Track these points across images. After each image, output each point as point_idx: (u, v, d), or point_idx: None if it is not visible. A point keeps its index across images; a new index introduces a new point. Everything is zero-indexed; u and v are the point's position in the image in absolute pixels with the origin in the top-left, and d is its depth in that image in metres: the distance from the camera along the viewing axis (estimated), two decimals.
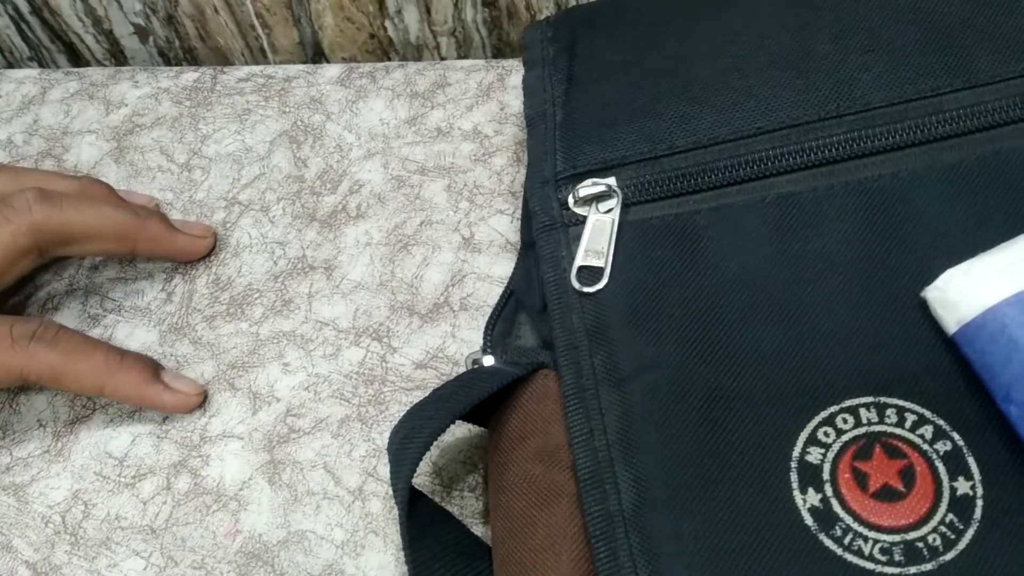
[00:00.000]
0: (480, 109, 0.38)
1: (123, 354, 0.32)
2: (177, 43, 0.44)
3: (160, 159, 0.39)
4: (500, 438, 0.28)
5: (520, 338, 0.29)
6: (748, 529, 0.24)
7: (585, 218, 0.28)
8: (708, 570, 0.23)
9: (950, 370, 0.25)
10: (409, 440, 0.27)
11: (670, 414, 0.25)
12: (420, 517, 0.27)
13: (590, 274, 0.27)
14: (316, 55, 0.44)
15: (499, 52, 0.43)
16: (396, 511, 0.30)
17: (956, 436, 0.24)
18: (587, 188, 0.28)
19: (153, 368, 0.33)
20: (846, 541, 0.23)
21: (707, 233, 0.27)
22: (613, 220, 0.28)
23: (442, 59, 0.42)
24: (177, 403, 0.33)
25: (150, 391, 0.32)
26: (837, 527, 0.23)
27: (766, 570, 0.23)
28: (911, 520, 0.23)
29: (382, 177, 0.37)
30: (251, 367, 0.34)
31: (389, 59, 0.42)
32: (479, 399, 0.27)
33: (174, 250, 0.35)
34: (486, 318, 0.34)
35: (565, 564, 0.25)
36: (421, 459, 0.26)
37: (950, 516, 0.23)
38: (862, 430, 0.24)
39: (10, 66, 0.45)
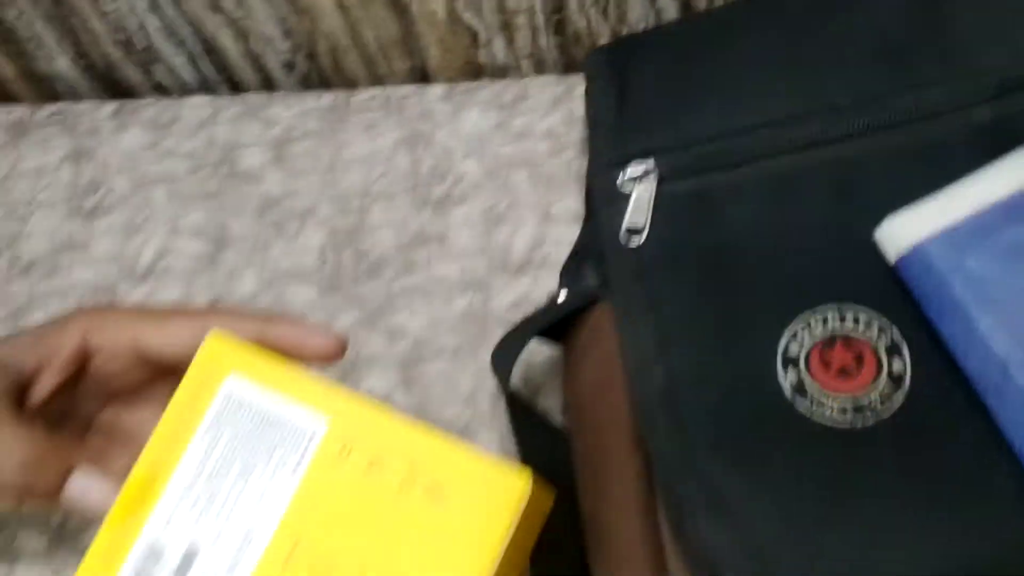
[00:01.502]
0: (553, 115, 0.49)
1: None
2: (315, 74, 0.56)
3: (310, 163, 0.51)
4: (572, 348, 0.39)
5: (585, 280, 0.40)
6: (745, 400, 0.34)
7: (631, 193, 0.39)
8: (717, 427, 0.34)
9: (894, 289, 0.35)
10: (507, 349, 0.38)
11: (691, 326, 0.36)
12: (518, 408, 0.38)
13: (634, 232, 0.38)
14: (424, 78, 0.55)
15: (567, 69, 0.54)
16: (500, 407, 0.42)
17: (895, 332, 0.34)
18: (633, 168, 0.39)
19: None
20: (814, 405, 0.33)
21: (720, 201, 0.38)
22: (651, 192, 0.39)
23: (523, 77, 0.54)
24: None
25: None
26: (808, 397, 0.34)
27: (759, 428, 0.33)
28: (859, 388, 0.34)
29: (479, 170, 0.49)
30: (387, 313, 0.46)
31: (481, 79, 0.54)
32: (556, 318, 0.38)
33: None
34: (558, 273, 0.45)
35: (622, 434, 0.35)
36: (516, 359, 0.37)
37: (887, 387, 0.33)
38: (828, 330, 0.35)
39: (184, 95, 0.58)
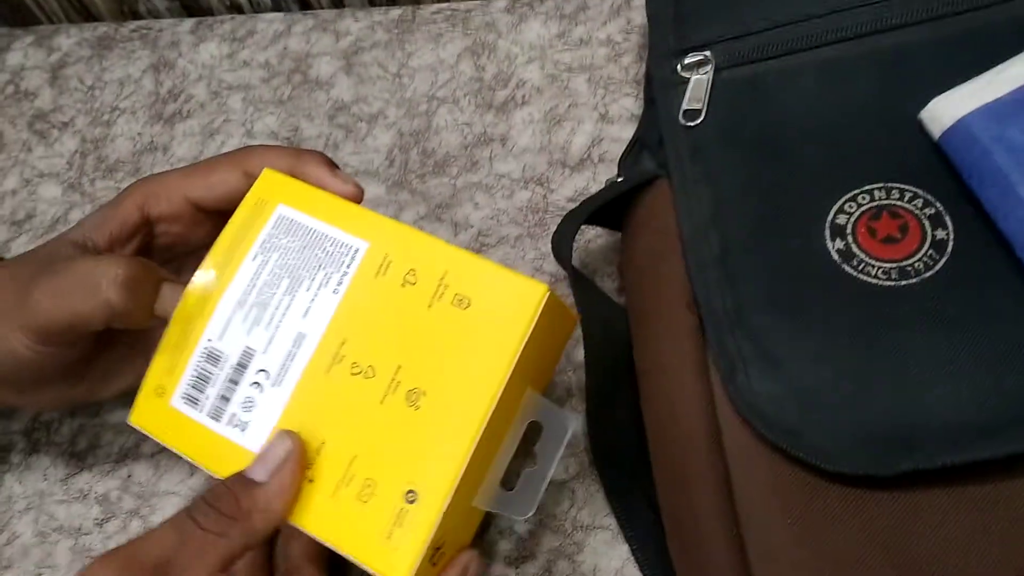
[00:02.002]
0: (612, 24, 0.52)
1: None
2: None
3: (378, 71, 0.54)
4: (630, 224, 0.41)
5: (642, 166, 0.43)
6: (795, 262, 0.36)
7: (689, 79, 0.41)
8: (768, 286, 0.36)
9: (938, 165, 0.37)
10: (569, 226, 0.41)
11: (745, 198, 0.38)
12: (580, 280, 0.41)
13: (692, 115, 0.40)
14: None
15: None
16: (558, 289, 0.44)
17: (939, 205, 0.36)
18: (691, 58, 0.41)
19: None
20: (860, 267, 0.36)
21: (774, 85, 0.40)
22: (708, 78, 0.41)
23: None
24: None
25: None
26: (855, 259, 0.36)
27: (807, 287, 0.36)
28: (904, 255, 0.36)
29: (540, 75, 0.51)
30: (451, 207, 0.49)
31: None
32: (616, 195, 0.40)
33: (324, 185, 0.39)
34: (616, 169, 0.47)
35: (677, 296, 0.38)
36: (577, 231, 0.40)
37: (930, 251, 0.35)
38: (874, 203, 0.37)
39: (255, 13, 0.61)
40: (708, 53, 0.41)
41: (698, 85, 0.41)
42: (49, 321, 0.35)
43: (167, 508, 0.44)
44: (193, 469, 0.45)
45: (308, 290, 0.35)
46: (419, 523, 0.32)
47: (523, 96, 0.51)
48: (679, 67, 0.41)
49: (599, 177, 0.47)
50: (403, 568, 0.31)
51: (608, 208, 0.41)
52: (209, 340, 0.36)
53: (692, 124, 0.40)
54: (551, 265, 0.46)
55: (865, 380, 0.33)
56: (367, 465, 0.33)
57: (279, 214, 0.37)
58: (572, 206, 0.46)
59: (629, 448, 0.39)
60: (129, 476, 0.45)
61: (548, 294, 0.33)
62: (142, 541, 0.30)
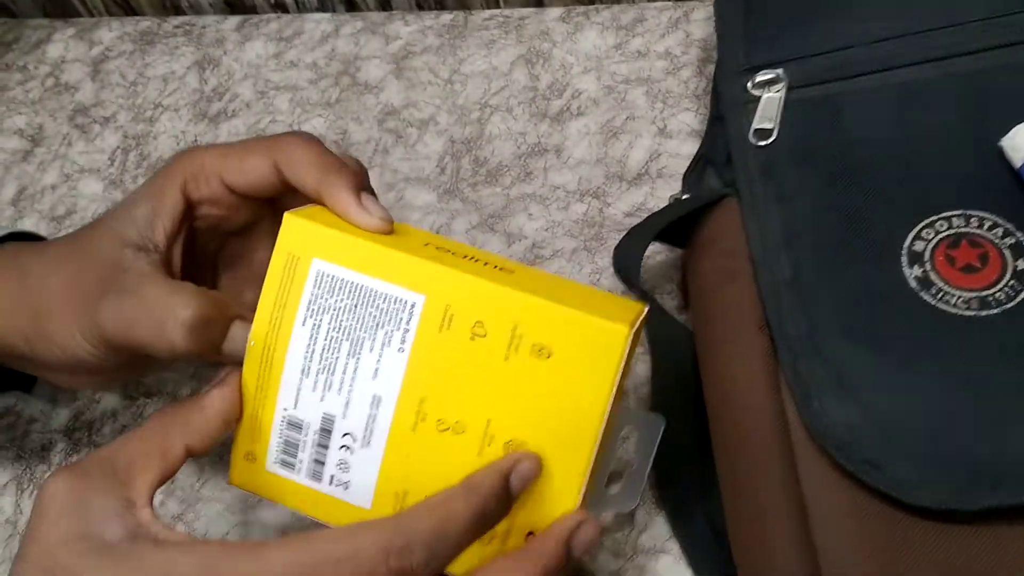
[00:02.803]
0: (670, 37, 0.51)
1: None
2: None
3: (429, 76, 0.54)
4: (696, 244, 0.40)
5: (708, 183, 0.42)
6: (871, 289, 0.36)
7: (760, 97, 0.40)
8: (843, 312, 0.35)
9: (1020, 194, 0.36)
10: (633, 242, 0.40)
11: (818, 220, 0.37)
12: (645, 298, 0.40)
13: (763, 134, 0.40)
14: (539, 2, 0.57)
15: None
16: None
17: (1020, 234, 0.36)
18: (762, 75, 0.40)
19: None
20: (939, 296, 0.35)
21: (847, 107, 0.39)
22: (781, 97, 0.40)
23: (638, 1, 0.55)
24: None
25: None
26: (933, 288, 0.35)
27: (884, 315, 0.35)
28: (984, 284, 0.35)
29: (596, 87, 0.51)
30: (504, 217, 0.48)
31: (595, 3, 0.55)
32: (683, 213, 0.40)
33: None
34: (676, 184, 0.46)
35: (747, 319, 0.37)
36: (645, 249, 0.39)
37: (1012, 281, 0.35)
38: (953, 231, 0.36)
39: (301, 12, 0.60)
40: (780, 71, 0.40)
41: (769, 104, 0.40)
42: (114, 339, 0.34)
43: (211, 513, 0.44)
44: None
45: (372, 351, 0.33)
46: None
47: (579, 107, 0.50)
48: (749, 85, 0.41)
49: (657, 192, 0.47)
50: None
51: (673, 225, 0.41)
52: (285, 410, 0.34)
53: (763, 143, 0.39)
54: (608, 279, 0.45)
55: (946, 413, 0.32)
56: None
57: (317, 271, 0.33)
58: (630, 221, 0.46)
59: (693, 471, 0.38)
60: (173, 481, 0.44)
61: (631, 334, 0.32)
62: None
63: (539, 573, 0.30)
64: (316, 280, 0.33)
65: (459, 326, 0.32)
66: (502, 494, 0.31)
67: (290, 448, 0.34)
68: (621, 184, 0.47)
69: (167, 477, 0.31)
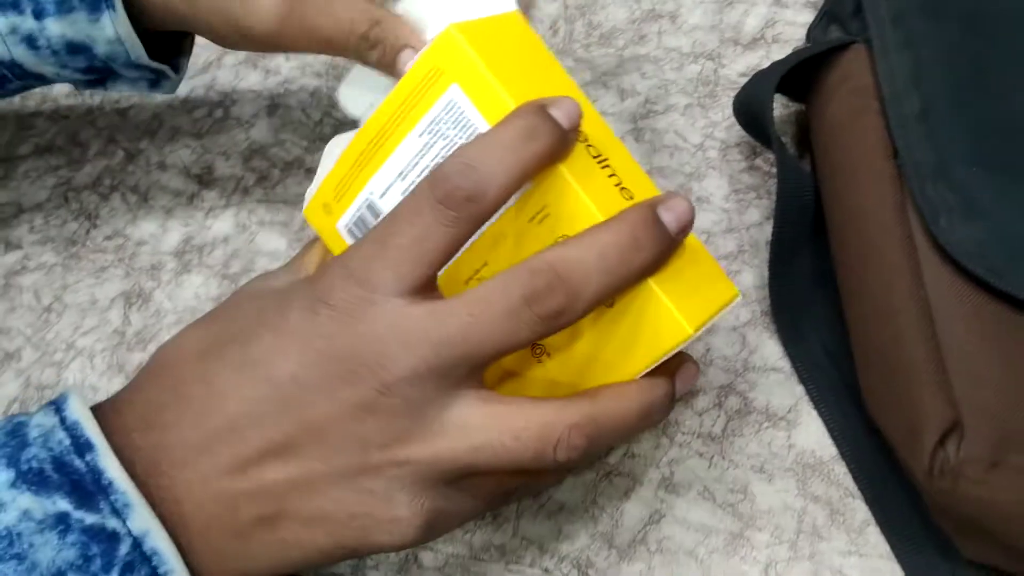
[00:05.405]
0: None
1: None
2: None
3: None
4: (822, 86, 0.42)
5: (831, 36, 0.43)
6: (999, 121, 0.37)
7: None
8: (970, 141, 0.37)
9: None
10: (761, 84, 0.42)
11: (948, 63, 0.39)
12: (777, 147, 0.41)
13: None
14: None
15: None
16: (729, 156, 0.45)
17: None
18: None
19: None
20: None
21: None
22: None
23: None
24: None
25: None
26: None
27: (1012, 143, 0.36)
28: None
29: None
30: (617, 75, 0.49)
31: None
32: (813, 54, 0.41)
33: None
34: (791, 49, 0.48)
35: (876, 147, 0.38)
36: (773, 93, 0.41)
37: None
38: None
39: None
40: None
41: None
42: (300, 33, 0.38)
43: None
44: None
45: None
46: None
47: None
48: None
49: (772, 55, 0.48)
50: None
51: (796, 72, 0.42)
52: (371, 193, 0.35)
53: None
54: (722, 132, 0.46)
55: None
56: None
57: (450, 97, 0.32)
58: (743, 79, 0.47)
59: (808, 297, 0.40)
60: None
61: (693, 334, 0.30)
62: None
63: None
64: (446, 105, 0.33)
65: (546, 226, 0.31)
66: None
67: (360, 225, 0.36)
68: (736, 47, 0.49)
69: None
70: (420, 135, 0.33)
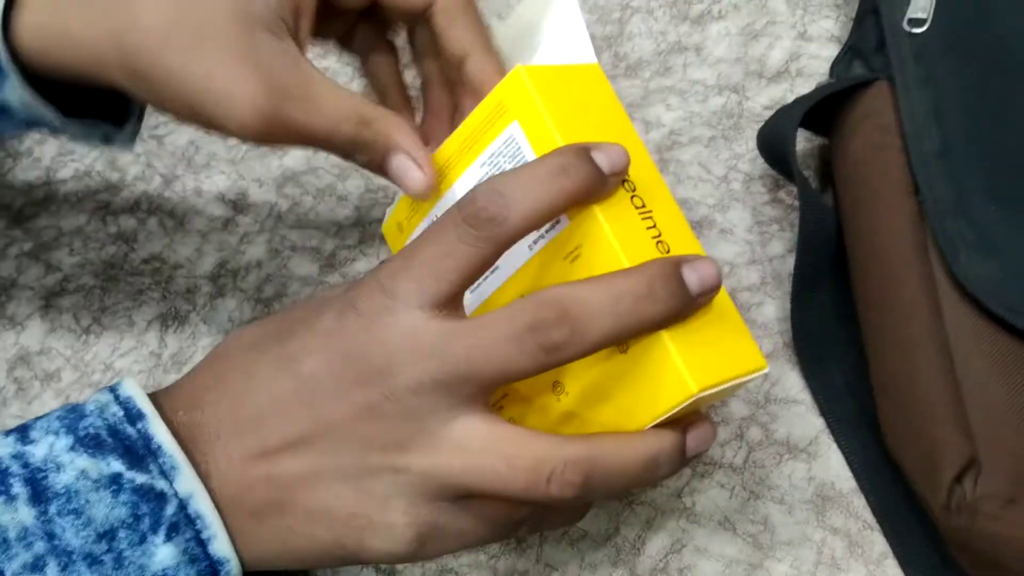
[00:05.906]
0: None
1: None
2: None
3: None
4: (845, 124, 0.42)
5: (854, 72, 0.44)
6: (1016, 159, 0.37)
7: None
8: (989, 179, 0.37)
9: None
10: (784, 119, 0.42)
11: (967, 101, 0.39)
12: (799, 180, 0.42)
13: (916, 23, 0.42)
14: None
15: None
16: (752, 188, 0.46)
17: None
18: None
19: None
20: None
21: (999, 3, 0.42)
22: None
23: None
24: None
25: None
26: None
27: None
28: None
29: None
30: (643, 107, 0.50)
31: None
32: (837, 90, 0.42)
33: None
34: (815, 83, 0.48)
35: (897, 184, 0.39)
36: (797, 128, 0.41)
37: None
38: None
39: None
40: None
41: None
42: (282, 133, 0.36)
43: None
44: None
45: None
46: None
47: (719, 11, 0.53)
48: None
49: (797, 89, 0.49)
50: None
51: (819, 107, 0.43)
52: (436, 215, 0.36)
53: (916, 31, 0.42)
54: (746, 165, 0.47)
55: None
56: None
57: (511, 133, 0.34)
58: (768, 114, 0.48)
59: (830, 330, 0.41)
60: None
61: (698, 394, 0.30)
62: None
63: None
64: (506, 140, 0.34)
65: (577, 266, 0.32)
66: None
67: None
68: (760, 80, 0.50)
69: None
70: (481, 165, 0.35)
